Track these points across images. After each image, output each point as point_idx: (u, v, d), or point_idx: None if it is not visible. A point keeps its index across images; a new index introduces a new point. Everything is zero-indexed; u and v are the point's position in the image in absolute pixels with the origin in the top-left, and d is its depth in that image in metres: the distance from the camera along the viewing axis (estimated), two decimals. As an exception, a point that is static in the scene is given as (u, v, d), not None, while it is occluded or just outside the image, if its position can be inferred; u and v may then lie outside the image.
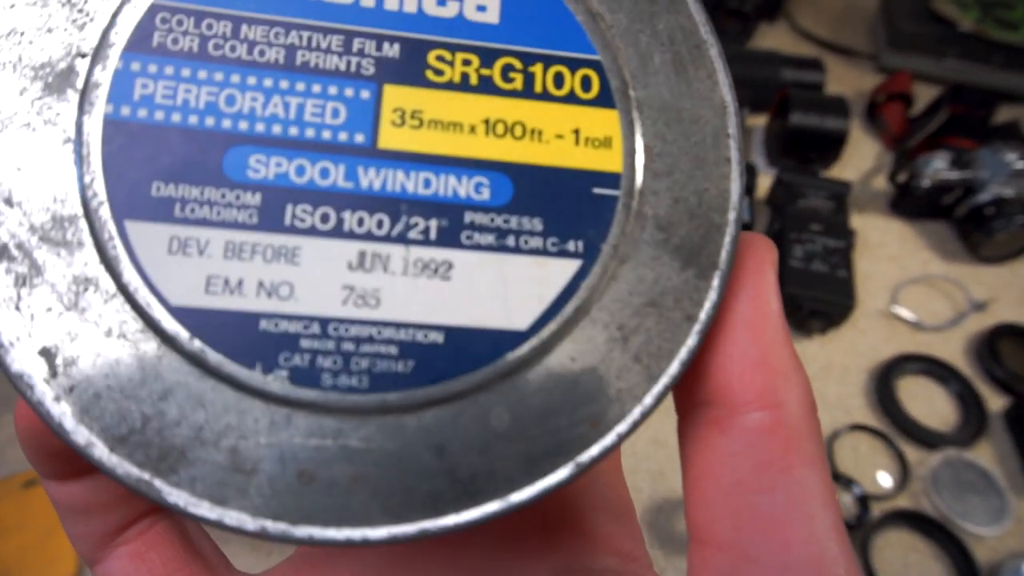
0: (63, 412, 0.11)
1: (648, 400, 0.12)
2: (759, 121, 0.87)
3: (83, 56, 0.12)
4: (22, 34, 0.12)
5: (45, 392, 0.11)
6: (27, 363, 0.11)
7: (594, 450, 0.12)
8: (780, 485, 0.12)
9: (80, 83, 0.12)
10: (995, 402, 0.66)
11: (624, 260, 0.13)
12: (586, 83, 0.13)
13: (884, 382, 0.66)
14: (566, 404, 0.12)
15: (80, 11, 0.12)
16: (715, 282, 0.13)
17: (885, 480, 0.61)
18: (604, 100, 0.13)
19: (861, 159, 0.87)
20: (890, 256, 0.78)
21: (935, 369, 0.68)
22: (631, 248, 0.13)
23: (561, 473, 0.12)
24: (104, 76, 0.12)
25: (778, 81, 0.86)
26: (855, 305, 0.68)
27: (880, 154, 0.88)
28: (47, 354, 0.11)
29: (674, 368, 0.12)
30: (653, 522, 0.56)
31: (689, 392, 0.13)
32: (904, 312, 0.72)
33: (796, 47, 1.00)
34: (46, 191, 0.11)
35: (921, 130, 0.84)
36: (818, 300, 0.67)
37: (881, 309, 0.73)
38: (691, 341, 0.12)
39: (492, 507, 0.12)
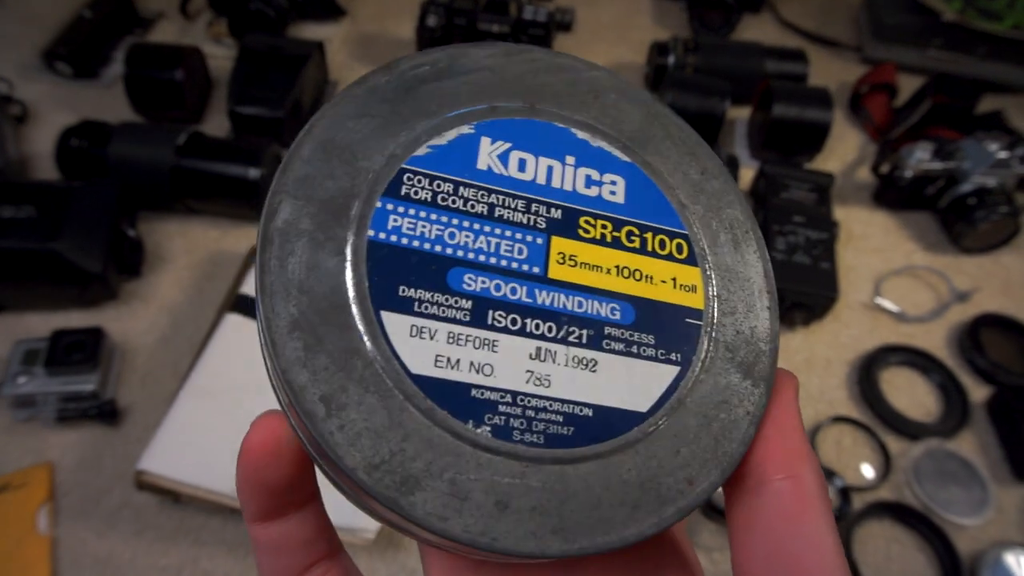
0: (337, 442, 0.14)
1: (726, 467, 0.17)
2: (742, 113, 0.87)
3: (355, 197, 0.17)
4: (314, 179, 0.16)
5: (324, 426, 0.14)
6: (312, 405, 0.15)
7: (691, 500, 0.16)
8: (800, 533, 0.16)
9: (352, 215, 0.16)
10: (977, 392, 0.66)
11: (707, 370, 0.17)
12: (679, 248, 0.19)
13: (867, 374, 0.66)
14: (672, 466, 0.16)
15: (353, 167, 0.17)
16: (763, 389, 0.17)
17: (867, 471, 0.61)
18: (691, 260, 0.19)
19: (844, 150, 0.87)
20: (873, 248, 0.78)
21: (918, 360, 0.68)
22: (710, 362, 0.17)
23: (670, 516, 0.16)
24: (368, 211, 0.16)
25: (761, 72, 0.86)
26: (838, 297, 0.68)
27: (863, 145, 0.88)
28: (325, 400, 0.15)
29: (740, 447, 0.17)
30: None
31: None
32: (887, 303, 0.72)
33: (780, 38, 0.99)
34: (327, 286, 0.16)
35: (904, 121, 0.83)
36: (801, 292, 0.67)
37: (864, 301, 0.73)
38: (751, 429, 0.17)
39: (629, 535, 0.15)
